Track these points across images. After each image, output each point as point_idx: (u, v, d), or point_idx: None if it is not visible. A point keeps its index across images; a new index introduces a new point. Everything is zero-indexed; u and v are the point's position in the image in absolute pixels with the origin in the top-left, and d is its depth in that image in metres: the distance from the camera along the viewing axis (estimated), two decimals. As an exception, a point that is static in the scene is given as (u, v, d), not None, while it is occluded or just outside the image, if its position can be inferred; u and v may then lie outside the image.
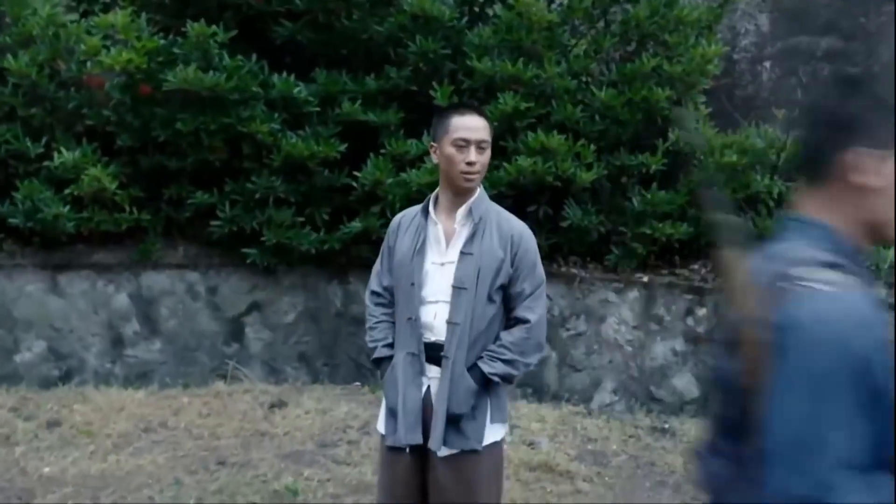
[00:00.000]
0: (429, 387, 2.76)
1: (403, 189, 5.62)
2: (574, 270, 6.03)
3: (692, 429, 5.32)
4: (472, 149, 2.71)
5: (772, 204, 5.91)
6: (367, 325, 2.95)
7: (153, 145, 5.86)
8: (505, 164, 5.67)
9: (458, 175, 2.73)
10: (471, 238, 2.76)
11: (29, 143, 5.72)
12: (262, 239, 5.80)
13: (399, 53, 5.89)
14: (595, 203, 5.97)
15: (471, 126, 2.74)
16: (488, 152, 2.79)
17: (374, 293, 2.96)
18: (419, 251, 2.78)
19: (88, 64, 5.69)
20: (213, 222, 5.88)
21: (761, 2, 6.95)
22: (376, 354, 2.88)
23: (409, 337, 2.77)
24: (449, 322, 2.74)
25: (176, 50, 5.61)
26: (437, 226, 2.80)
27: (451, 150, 2.73)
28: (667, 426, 5.37)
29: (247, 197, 5.84)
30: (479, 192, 2.82)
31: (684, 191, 5.94)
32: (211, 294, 6.07)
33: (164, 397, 5.24)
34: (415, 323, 2.76)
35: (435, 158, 2.83)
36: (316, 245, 5.81)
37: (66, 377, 5.84)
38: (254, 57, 5.82)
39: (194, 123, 5.63)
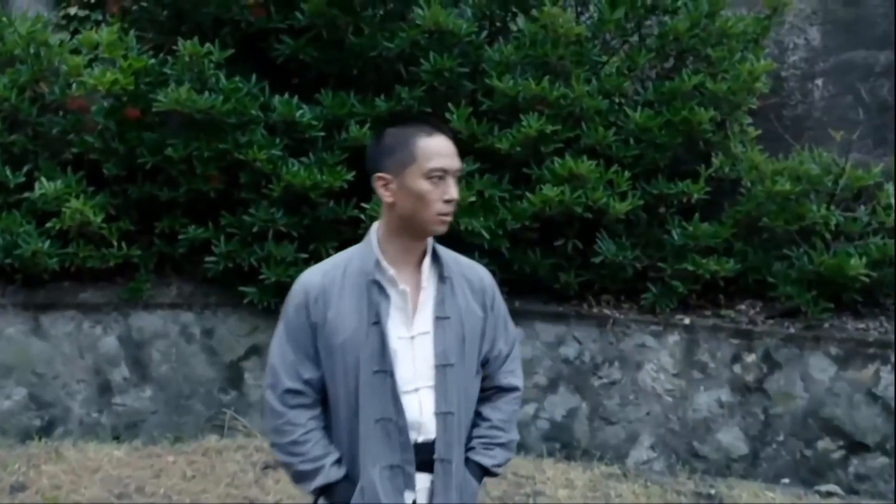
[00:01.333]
0: (414, 501, 2.17)
1: (416, 222, 5.03)
2: (607, 311, 5.43)
3: (742, 494, 4.69)
4: (451, 181, 2.14)
5: (828, 236, 5.28)
6: (287, 440, 2.19)
7: (143, 174, 5.36)
8: (528, 193, 5.10)
9: (431, 218, 2.13)
10: (443, 297, 2.20)
11: (9, 173, 5.25)
12: (262, 276, 5.27)
13: (411, 72, 5.35)
14: (630, 236, 5.38)
15: (445, 152, 2.16)
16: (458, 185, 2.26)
17: (290, 392, 2.20)
18: (375, 324, 2.14)
19: (74, 86, 5.22)
20: (208, 258, 5.36)
21: (811, 14, 6.34)
22: (323, 480, 2.16)
23: (383, 445, 2.13)
24: (439, 413, 2.16)
25: (167, 70, 5.12)
26: (398, 287, 2.18)
27: (422, 184, 2.12)
28: (713, 491, 4.74)
29: (244, 231, 5.31)
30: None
31: (730, 222, 5.34)
32: (207, 336, 5.54)
33: (146, 455, 4.71)
34: (391, 425, 2.13)
35: (386, 196, 2.17)
36: (321, 282, 5.24)
37: (48, 428, 5.34)
38: (253, 78, 5.31)
39: (186, 150, 5.13)
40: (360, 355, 2.13)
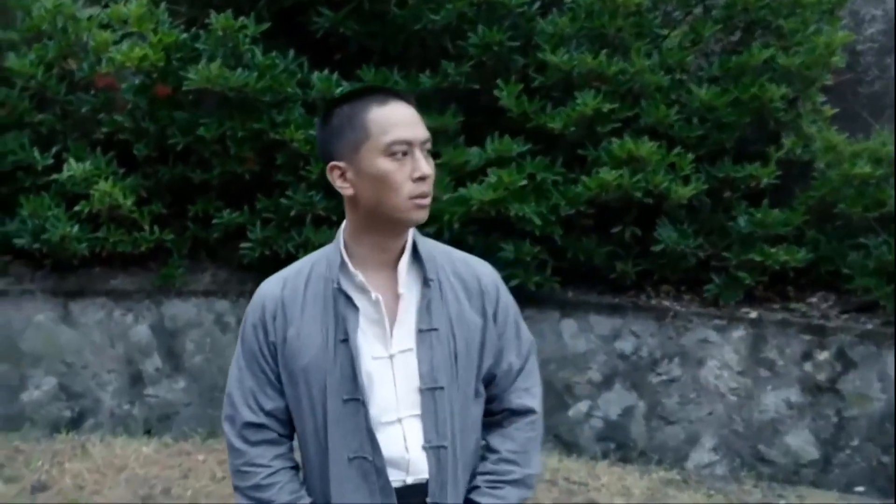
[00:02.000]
0: None
1: (462, 207, 4.74)
2: (666, 303, 5.08)
3: (813, 503, 4.32)
4: (419, 154, 1.74)
5: (912, 224, 4.86)
6: (249, 483, 1.82)
7: (175, 155, 5.10)
8: (583, 176, 4.75)
9: (402, 204, 1.73)
10: (428, 304, 1.81)
11: (37, 154, 5.02)
12: (300, 263, 4.97)
13: (458, 46, 5.01)
14: (692, 223, 5.01)
15: (405, 120, 1.76)
16: (431, 160, 1.82)
17: (250, 426, 1.82)
18: (343, 342, 1.77)
19: (103, 63, 4.97)
20: (244, 244, 5.09)
21: (890, -18, 5.88)
22: None
23: (359, 489, 1.77)
24: (429, 447, 1.78)
25: (199, 45, 4.85)
26: (369, 294, 1.80)
27: (382, 163, 1.73)
28: (782, 501, 4.38)
29: (281, 215, 5.04)
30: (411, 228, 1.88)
31: (801, 208, 4.94)
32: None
33: (176, 452, 4.48)
34: (367, 465, 1.77)
35: (345, 188, 1.79)
36: (361, 269, 4.95)
37: (78, 420, 5.13)
38: (291, 53, 5.02)
39: (220, 129, 4.86)
40: (326, 381, 1.77)
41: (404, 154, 1.73)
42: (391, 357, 1.79)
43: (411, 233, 1.85)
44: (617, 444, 5.02)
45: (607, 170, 4.67)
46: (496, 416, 1.92)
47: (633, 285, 5.13)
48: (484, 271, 1.92)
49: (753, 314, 4.96)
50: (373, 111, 1.75)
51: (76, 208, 4.94)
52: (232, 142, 4.91)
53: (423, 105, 4.93)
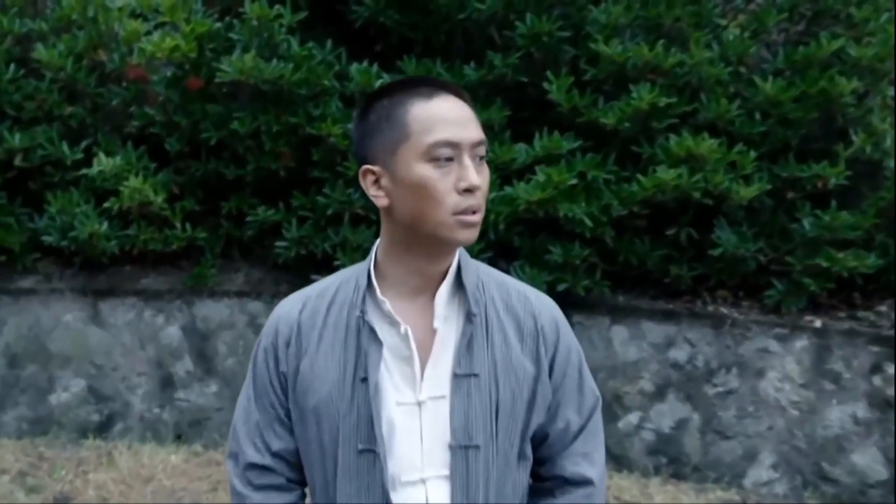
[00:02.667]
0: None
1: (509, 206, 4.48)
2: (724, 310, 4.79)
3: (884, 529, 4.03)
4: (467, 160, 1.44)
5: None
6: None
7: (208, 150, 4.90)
8: (638, 175, 4.48)
9: (445, 220, 1.45)
10: (469, 344, 1.52)
11: (66, 148, 4.84)
12: (337, 263, 4.76)
13: (505, 37, 4.77)
14: (752, 225, 4.72)
15: (453, 117, 1.46)
16: (487, 165, 1.52)
17: (254, 468, 1.59)
18: (362, 381, 1.50)
19: (134, 54, 4.78)
20: (278, 243, 4.88)
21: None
22: None
23: None
24: None
25: (233, 35, 4.64)
26: (398, 327, 1.52)
27: (421, 169, 1.44)
28: (851, 526, 4.08)
29: (318, 213, 4.82)
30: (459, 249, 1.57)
31: (871, 211, 4.62)
32: (276, 328, 5.06)
33: (205, 462, 4.29)
34: None
35: (379, 196, 1.51)
36: (400, 271, 4.72)
37: (106, 424, 4.96)
38: (328, 44, 4.80)
39: (253, 123, 4.65)
40: (339, 425, 1.50)
41: (449, 159, 1.44)
42: (419, 404, 1.51)
43: (456, 255, 1.56)
44: (669, 458, 4.74)
45: (664, 168, 4.39)
46: (546, 482, 1.63)
47: (688, 291, 4.85)
48: (543, 308, 1.61)
49: (818, 323, 4.67)
50: (416, 106, 1.46)
51: (105, 205, 4.77)
52: (266, 136, 4.71)
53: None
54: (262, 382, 1.59)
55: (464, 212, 1.45)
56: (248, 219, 4.92)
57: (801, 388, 4.62)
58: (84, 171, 4.81)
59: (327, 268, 4.85)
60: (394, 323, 1.52)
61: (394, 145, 1.47)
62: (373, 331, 1.51)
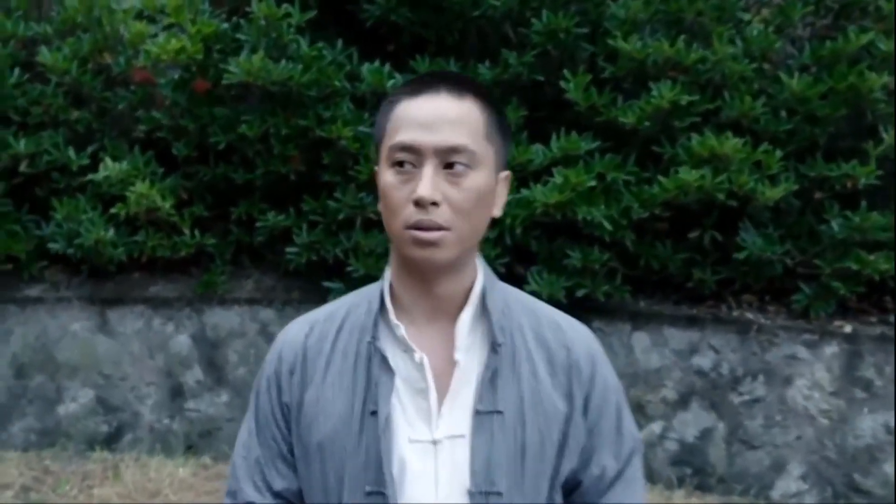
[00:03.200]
0: None
1: (525, 210, 4.34)
2: (749, 315, 4.63)
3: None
4: (427, 168, 1.31)
5: None
6: None
7: (216, 154, 4.79)
8: (659, 176, 4.32)
9: (399, 232, 1.34)
10: (493, 377, 1.36)
11: (72, 153, 4.74)
12: (349, 269, 4.64)
13: (520, 34, 4.62)
14: (778, 227, 4.55)
15: (423, 118, 1.32)
16: (478, 177, 1.33)
17: None
18: (371, 415, 1.35)
19: (140, 56, 4.67)
20: (289, 249, 4.76)
21: None
22: None
23: None
24: None
25: (240, 36, 4.52)
26: (413, 354, 1.37)
27: (385, 175, 1.35)
28: (885, 541, 3.91)
29: (329, 218, 4.70)
30: (481, 269, 1.43)
31: (904, 211, 4.45)
32: (288, 336, 4.94)
33: (214, 475, 4.17)
34: None
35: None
36: (415, 277, 4.59)
37: (116, 435, 4.85)
38: (339, 43, 4.67)
39: (262, 126, 4.53)
40: (346, 464, 1.35)
41: (410, 165, 1.32)
42: (435, 443, 1.35)
43: (480, 277, 1.41)
44: (694, 469, 4.58)
45: (686, 169, 4.23)
46: None
47: (712, 295, 4.69)
48: (577, 338, 1.44)
49: (848, 328, 4.51)
50: (399, 105, 1.37)
51: (112, 211, 4.67)
52: (276, 140, 4.59)
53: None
54: (264, 414, 1.44)
55: (414, 226, 1.31)
56: (258, 224, 4.80)
57: (830, 396, 4.46)
58: (90, 176, 4.71)
59: (339, 274, 4.73)
60: (408, 350, 1.38)
61: (378, 147, 1.40)
62: (384, 358, 1.37)
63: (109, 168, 4.59)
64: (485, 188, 1.35)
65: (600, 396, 1.42)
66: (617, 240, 4.43)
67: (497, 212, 1.42)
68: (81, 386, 4.91)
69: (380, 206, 1.41)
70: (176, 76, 4.68)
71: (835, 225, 4.43)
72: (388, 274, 1.44)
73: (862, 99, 4.38)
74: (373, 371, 1.36)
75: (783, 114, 4.46)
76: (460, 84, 1.37)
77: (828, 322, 4.53)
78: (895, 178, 4.59)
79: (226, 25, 4.56)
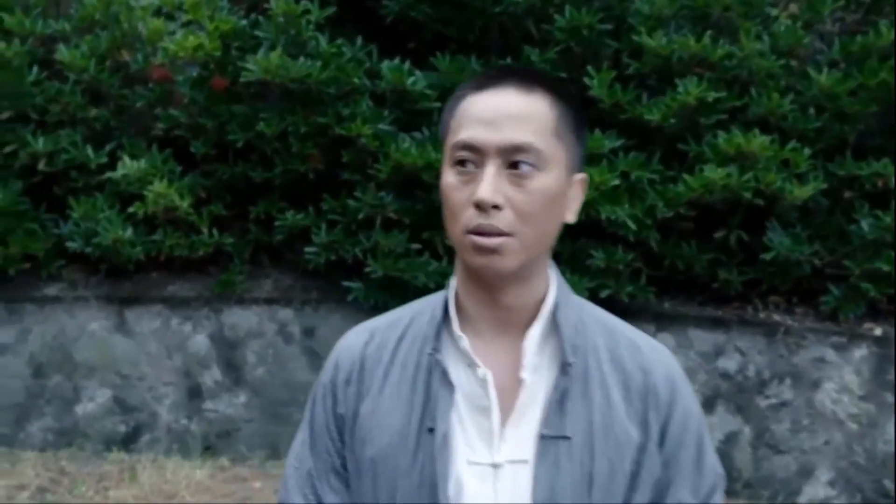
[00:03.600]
0: None
1: (547, 209, 4.26)
2: (776, 317, 4.55)
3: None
4: (489, 168, 1.21)
5: None
6: None
7: (235, 153, 4.74)
8: (684, 174, 4.25)
9: (458, 237, 1.24)
10: (561, 400, 1.26)
11: (90, 151, 4.71)
12: (368, 269, 4.59)
13: (543, 30, 4.56)
14: (806, 227, 4.47)
15: (487, 115, 1.23)
16: (546, 179, 1.23)
17: None
18: (430, 432, 1.26)
19: (160, 54, 4.63)
20: (308, 248, 4.71)
21: None
22: None
23: None
24: None
25: (258, 33, 4.48)
26: (477, 371, 1.28)
27: (447, 175, 1.26)
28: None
29: (348, 217, 4.64)
30: (554, 280, 1.32)
31: (936, 211, 4.35)
32: (307, 336, 4.89)
33: (231, 477, 4.13)
34: None
35: None
36: (436, 278, 4.55)
37: (133, 435, 4.82)
38: (358, 40, 4.62)
39: (280, 125, 4.49)
40: (398, 483, 1.26)
41: (472, 165, 1.23)
42: (495, 466, 1.25)
43: (552, 289, 1.31)
44: (719, 474, 4.50)
45: (712, 167, 4.16)
46: None
47: (738, 296, 4.62)
48: (657, 361, 1.32)
49: (878, 331, 4.44)
50: (464, 100, 1.28)
51: (130, 210, 4.64)
52: (294, 138, 4.55)
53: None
54: (318, 424, 1.36)
55: (474, 231, 1.22)
56: (277, 223, 4.76)
57: (860, 401, 4.38)
58: (108, 175, 4.69)
59: (359, 274, 4.68)
60: (471, 364, 1.28)
61: (443, 145, 1.31)
62: (445, 372, 1.27)
63: (127, 166, 4.56)
64: (554, 191, 1.24)
65: (679, 425, 1.30)
66: (641, 239, 4.37)
67: (571, 217, 1.30)
68: (99, 386, 4.87)
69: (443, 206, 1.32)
70: (194, 73, 4.66)
71: (864, 225, 4.35)
72: (454, 282, 1.34)
73: (893, 95, 4.32)
74: (432, 385, 1.28)
75: (811, 111, 4.38)
76: (529, 78, 1.27)
77: (857, 324, 4.46)
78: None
79: (244, 22, 4.53)
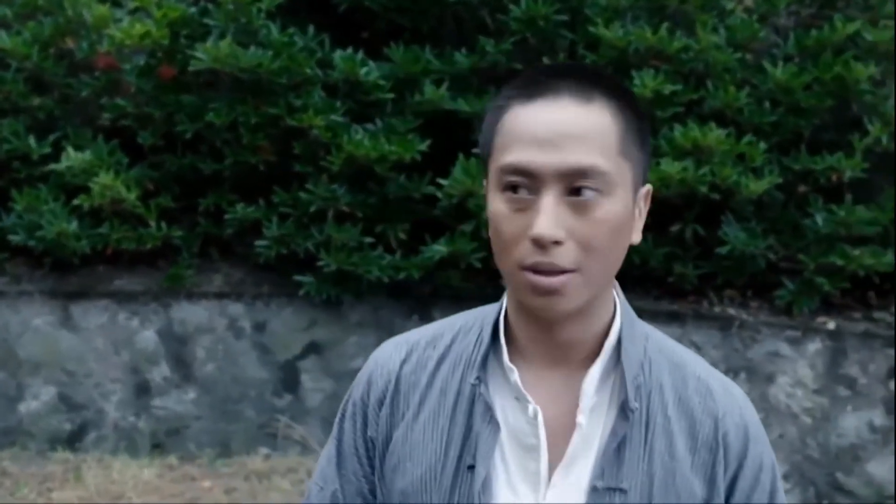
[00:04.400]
0: None
1: (502, 202, 4.21)
2: (731, 311, 4.55)
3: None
4: (547, 197, 1.05)
5: None
6: None
7: (184, 144, 4.65)
8: (640, 169, 4.22)
9: (513, 273, 1.09)
10: (619, 447, 1.12)
11: (32, 142, 4.58)
12: (321, 263, 4.51)
13: (498, 21, 4.51)
14: (761, 221, 4.48)
15: (543, 132, 1.06)
16: (612, 205, 1.07)
17: None
18: (470, 469, 1.13)
19: (106, 41, 4.51)
20: (259, 242, 4.63)
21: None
22: None
23: None
24: None
25: (208, 20, 4.38)
26: (527, 406, 1.13)
27: (495, 200, 1.09)
28: (868, 543, 3.84)
29: (300, 210, 4.56)
30: (619, 307, 1.18)
31: (889, 206, 4.39)
32: (258, 331, 4.81)
33: (180, 476, 4.04)
34: None
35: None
36: (389, 272, 4.50)
37: (79, 433, 4.70)
38: (311, 29, 4.54)
39: (230, 115, 4.39)
40: None
41: (525, 191, 1.06)
42: None
43: (616, 320, 1.16)
44: (674, 469, 4.50)
45: (668, 161, 4.14)
46: None
47: (693, 290, 4.61)
48: (730, 406, 1.17)
49: (832, 325, 4.45)
50: (510, 112, 1.09)
51: (75, 202, 4.52)
52: (244, 129, 4.46)
53: (459, 87, 4.49)
54: (347, 444, 1.23)
55: (531, 268, 1.06)
56: (227, 216, 4.66)
57: (814, 394, 4.41)
58: (52, 166, 4.56)
59: (311, 268, 4.60)
60: (521, 398, 1.14)
61: (485, 160, 1.13)
62: (489, 407, 1.13)
63: (72, 157, 4.44)
64: (622, 216, 1.08)
65: (751, 478, 1.16)
66: (596, 233, 4.32)
67: (636, 238, 1.15)
68: (43, 383, 4.75)
69: (489, 233, 1.15)
70: (141, 62, 4.54)
71: (819, 219, 4.37)
72: (506, 301, 1.19)
73: (847, 90, 4.33)
74: (475, 418, 1.14)
75: (767, 105, 4.40)
76: (587, 83, 1.09)
77: (811, 318, 4.47)
78: (881, 171, 4.52)
79: (193, 10, 4.43)
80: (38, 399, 4.74)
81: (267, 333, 4.81)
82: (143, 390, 4.78)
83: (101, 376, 4.76)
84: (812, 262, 4.37)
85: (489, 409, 1.13)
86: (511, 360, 1.14)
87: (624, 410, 1.12)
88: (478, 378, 1.14)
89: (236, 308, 4.81)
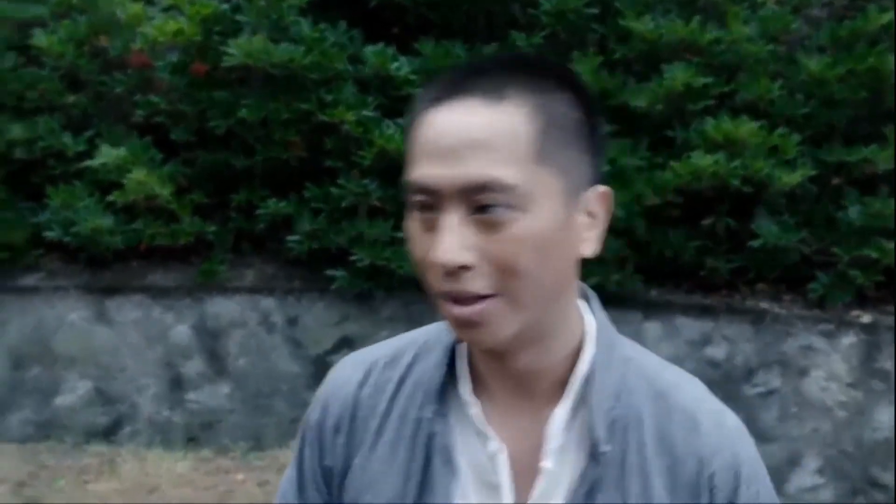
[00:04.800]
0: None
1: (533, 196, 4.22)
2: (764, 304, 4.51)
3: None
4: (448, 217, 0.91)
5: None
6: None
7: (216, 140, 4.68)
8: (672, 162, 4.21)
9: (437, 300, 0.95)
10: (590, 492, 0.98)
11: (68, 139, 4.64)
12: (353, 258, 4.53)
13: (529, 15, 4.54)
14: (794, 214, 4.45)
15: (444, 143, 0.91)
16: (531, 220, 0.91)
17: None
18: None
19: (139, 39, 4.56)
20: (291, 237, 4.66)
21: None
22: None
23: None
24: None
25: (240, 17, 4.41)
26: (485, 442, 1.01)
27: (409, 219, 0.96)
28: (904, 537, 3.82)
29: (332, 205, 4.59)
30: (591, 328, 1.04)
31: (924, 197, 4.34)
32: (290, 326, 4.84)
33: (213, 469, 4.08)
34: None
35: None
36: (421, 267, 4.49)
37: (115, 426, 4.75)
38: (342, 25, 4.57)
39: (262, 111, 4.43)
40: None
41: (429, 211, 0.93)
42: None
43: (589, 345, 1.02)
44: (707, 463, 4.48)
45: (700, 154, 4.14)
46: None
47: (725, 284, 4.59)
48: (720, 444, 1.01)
49: (866, 318, 4.40)
50: (423, 117, 0.95)
51: (109, 198, 4.57)
52: (276, 124, 4.50)
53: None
54: (307, 469, 1.12)
55: (447, 295, 0.93)
56: (259, 212, 4.70)
57: (848, 388, 4.36)
58: (87, 162, 4.62)
59: (343, 262, 4.62)
60: (479, 435, 1.02)
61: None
62: (447, 448, 1.02)
63: (106, 154, 4.50)
64: (547, 231, 0.92)
65: None
66: (628, 227, 4.33)
67: (588, 249, 1.00)
68: (79, 377, 4.80)
69: None
70: (174, 59, 4.59)
71: (853, 212, 4.34)
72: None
73: (882, 81, 4.32)
74: (434, 454, 1.02)
75: (800, 97, 4.38)
76: (500, 78, 0.93)
77: (845, 312, 4.42)
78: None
79: (225, 6, 4.48)
80: (73, 393, 4.80)
81: (299, 328, 4.84)
82: (176, 384, 4.82)
83: (136, 370, 4.81)
84: (846, 255, 4.34)
85: (446, 450, 1.02)
86: (476, 390, 1.03)
87: (594, 453, 0.99)
88: (434, 411, 1.02)
89: (268, 303, 4.84)
